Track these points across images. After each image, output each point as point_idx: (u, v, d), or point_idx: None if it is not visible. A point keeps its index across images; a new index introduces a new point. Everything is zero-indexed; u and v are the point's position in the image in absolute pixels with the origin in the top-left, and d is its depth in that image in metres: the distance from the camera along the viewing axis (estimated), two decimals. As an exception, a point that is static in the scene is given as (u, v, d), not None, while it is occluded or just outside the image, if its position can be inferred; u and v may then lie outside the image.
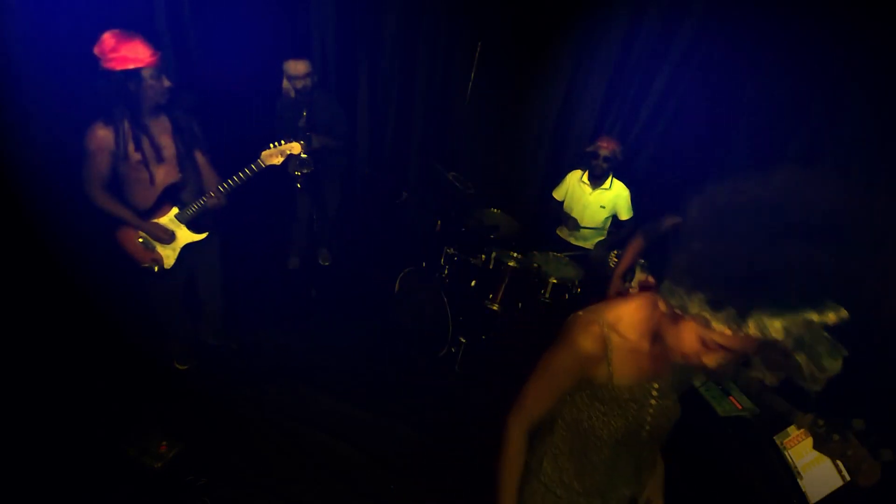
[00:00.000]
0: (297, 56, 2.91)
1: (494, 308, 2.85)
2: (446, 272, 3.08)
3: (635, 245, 2.16)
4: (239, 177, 2.21)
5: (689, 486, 2.49)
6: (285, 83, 3.01)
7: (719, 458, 2.57)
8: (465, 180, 3.14)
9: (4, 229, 2.47)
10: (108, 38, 1.87)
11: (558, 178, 3.35)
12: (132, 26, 1.93)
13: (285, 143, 2.27)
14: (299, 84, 2.91)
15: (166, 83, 2.01)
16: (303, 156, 2.58)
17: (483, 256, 2.99)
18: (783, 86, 2.71)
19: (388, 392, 2.78)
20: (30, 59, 2.40)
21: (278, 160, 2.27)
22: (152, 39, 1.97)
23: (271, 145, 2.26)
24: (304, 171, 3.00)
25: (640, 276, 2.01)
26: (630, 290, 2.03)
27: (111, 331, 2.68)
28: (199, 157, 2.24)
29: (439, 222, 3.43)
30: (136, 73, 1.90)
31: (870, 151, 2.43)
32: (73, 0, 2.40)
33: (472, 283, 2.98)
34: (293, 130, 3.02)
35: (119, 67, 1.88)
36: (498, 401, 2.82)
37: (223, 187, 2.21)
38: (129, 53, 1.87)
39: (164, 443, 2.17)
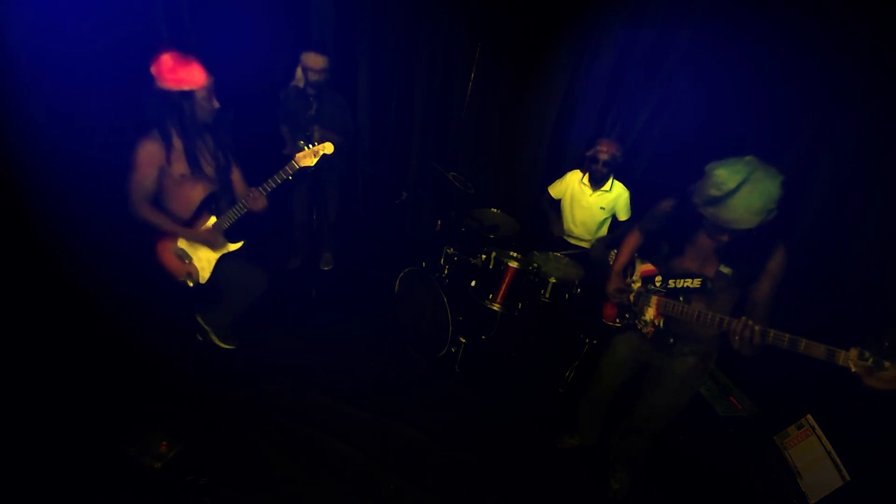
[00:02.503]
0: (318, 51, 2.94)
1: (494, 308, 2.86)
2: (446, 272, 3.08)
3: (632, 239, 2.15)
4: (276, 180, 2.25)
5: (690, 485, 2.49)
6: (298, 72, 3.03)
7: (719, 458, 2.57)
8: (465, 180, 3.14)
9: (5, 229, 2.47)
10: (166, 59, 1.93)
11: (558, 178, 3.35)
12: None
13: (318, 144, 2.29)
14: (313, 77, 2.94)
15: (216, 104, 2.09)
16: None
17: (483, 256, 2.99)
18: (783, 86, 2.71)
19: (388, 392, 2.78)
20: (31, 61, 2.41)
21: (311, 161, 2.29)
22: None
23: (305, 147, 2.27)
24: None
25: (641, 267, 2.00)
26: (633, 285, 2.02)
27: (111, 331, 2.68)
28: (234, 169, 2.30)
29: (439, 222, 3.44)
30: (190, 94, 1.98)
31: (870, 152, 2.43)
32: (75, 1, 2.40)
33: (472, 283, 2.98)
34: (299, 119, 3.04)
35: (176, 88, 1.95)
36: (498, 401, 2.84)
37: (264, 189, 2.23)
38: (186, 75, 1.95)
39: (164, 443, 2.17)
